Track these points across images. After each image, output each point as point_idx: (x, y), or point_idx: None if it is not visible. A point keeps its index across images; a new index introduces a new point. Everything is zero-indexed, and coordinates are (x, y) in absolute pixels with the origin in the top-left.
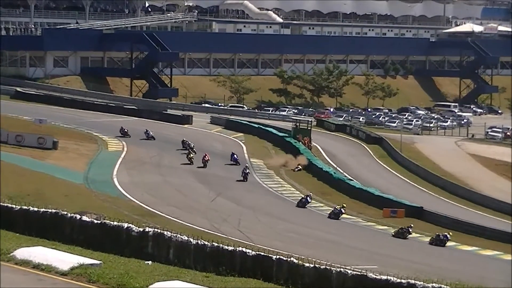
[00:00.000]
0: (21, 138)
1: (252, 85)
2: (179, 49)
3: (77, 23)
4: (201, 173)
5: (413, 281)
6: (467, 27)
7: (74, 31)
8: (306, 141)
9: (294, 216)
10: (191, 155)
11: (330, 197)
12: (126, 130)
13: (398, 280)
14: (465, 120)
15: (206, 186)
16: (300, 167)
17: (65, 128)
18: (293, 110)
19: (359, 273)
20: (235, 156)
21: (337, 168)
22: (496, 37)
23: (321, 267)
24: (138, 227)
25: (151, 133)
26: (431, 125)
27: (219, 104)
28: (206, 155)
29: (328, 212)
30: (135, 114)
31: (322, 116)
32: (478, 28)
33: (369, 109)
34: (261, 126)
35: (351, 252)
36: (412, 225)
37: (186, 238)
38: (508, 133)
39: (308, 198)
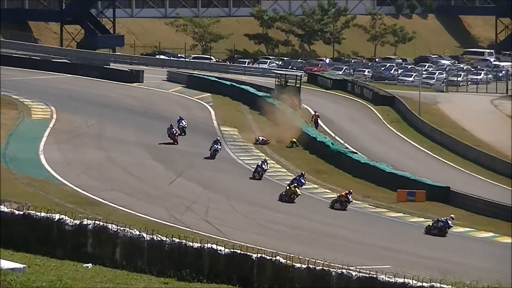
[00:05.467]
0: None
1: (222, 30)
2: None
3: None
4: (156, 148)
5: (438, 285)
6: None
7: None
8: (294, 103)
9: (279, 202)
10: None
11: (327, 176)
12: (174, 130)
13: (419, 284)
14: (503, 72)
15: (163, 164)
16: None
17: None
18: (277, 62)
19: (367, 275)
20: (182, 122)
21: (336, 137)
22: None
23: (317, 268)
24: (74, 219)
25: (184, 122)
26: (459, 79)
27: (179, 56)
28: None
29: (326, 196)
30: (68, 70)
31: (315, 69)
32: None
33: (376, 59)
34: (235, 84)
35: (356, 248)
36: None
37: (138, 232)
38: None
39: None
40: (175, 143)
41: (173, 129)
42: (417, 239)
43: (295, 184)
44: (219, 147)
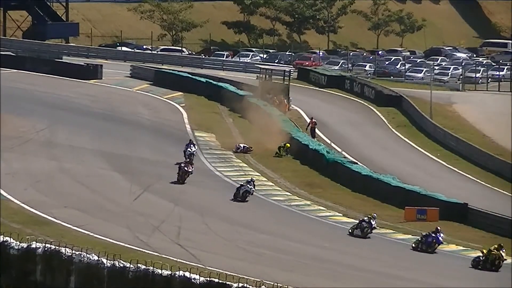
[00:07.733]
0: None
1: (195, 17)
2: None
3: None
4: (117, 157)
5: None
6: None
7: None
8: (282, 103)
9: (265, 221)
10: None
11: (322, 191)
12: (187, 168)
13: None
14: None
15: (126, 177)
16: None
17: None
18: (261, 55)
19: None
20: (191, 147)
21: (332, 145)
22: None
23: None
24: (20, 242)
25: (192, 148)
26: (478, 75)
27: (144, 47)
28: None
29: (320, 215)
30: (13, 65)
31: (307, 63)
32: None
33: (380, 52)
34: (211, 81)
35: (354, 275)
36: None
37: (96, 257)
38: None
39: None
40: (180, 181)
41: (190, 166)
42: (429, 265)
43: (496, 246)
44: (253, 189)
